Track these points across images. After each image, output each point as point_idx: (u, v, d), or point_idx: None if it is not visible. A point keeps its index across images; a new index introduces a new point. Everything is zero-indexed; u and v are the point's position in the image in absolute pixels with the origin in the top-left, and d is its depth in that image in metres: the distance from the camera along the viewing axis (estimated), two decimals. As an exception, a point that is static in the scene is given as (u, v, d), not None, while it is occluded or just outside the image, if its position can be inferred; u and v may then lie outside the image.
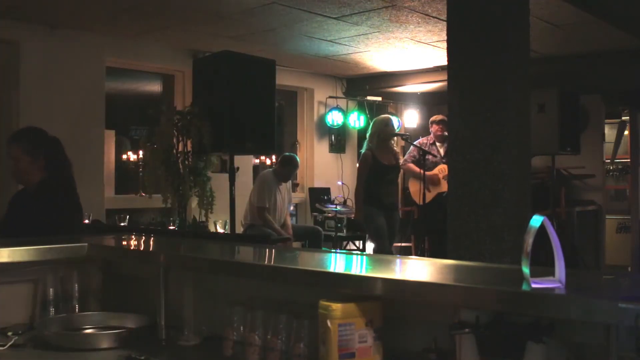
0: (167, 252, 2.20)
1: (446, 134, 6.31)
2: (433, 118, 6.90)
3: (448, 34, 3.87)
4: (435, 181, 6.49)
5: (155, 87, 7.80)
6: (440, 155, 6.66)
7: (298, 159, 6.72)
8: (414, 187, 6.66)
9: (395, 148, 6.30)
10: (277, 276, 1.72)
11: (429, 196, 6.40)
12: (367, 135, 6.14)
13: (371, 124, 6.24)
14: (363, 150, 6.16)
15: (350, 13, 5.43)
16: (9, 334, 1.92)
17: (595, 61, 6.84)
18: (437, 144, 6.74)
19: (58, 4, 5.28)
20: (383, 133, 6.01)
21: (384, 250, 5.83)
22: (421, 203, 6.25)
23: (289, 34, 6.19)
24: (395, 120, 8.52)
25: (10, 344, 1.84)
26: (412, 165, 6.62)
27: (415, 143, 6.72)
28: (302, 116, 8.60)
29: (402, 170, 6.73)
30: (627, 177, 8.92)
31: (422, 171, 6.21)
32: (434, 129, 6.79)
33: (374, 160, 5.92)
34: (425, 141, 6.80)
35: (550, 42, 6.18)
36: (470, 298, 1.31)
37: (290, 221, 6.86)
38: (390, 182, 6.03)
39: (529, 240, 1.24)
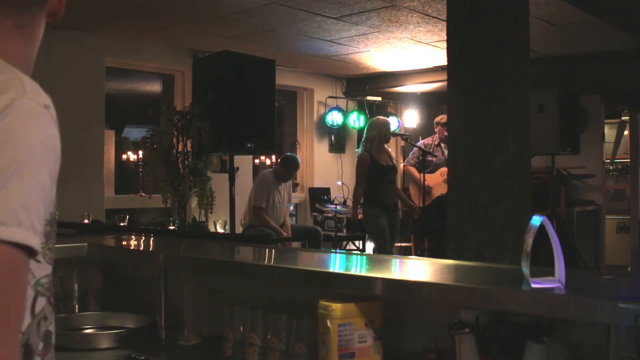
0: (167, 252, 2.20)
1: None
2: (438, 119, 6.70)
3: (448, 34, 3.87)
4: (430, 192, 6.38)
5: (155, 87, 7.79)
6: (445, 156, 6.54)
7: (299, 160, 6.71)
8: (414, 190, 6.62)
9: (388, 147, 6.22)
10: (277, 276, 1.72)
11: (430, 199, 6.36)
12: (365, 136, 6.07)
13: (369, 126, 6.16)
14: (359, 152, 6.12)
15: (350, 13, 5.42)
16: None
17: (595, 61, 6.84)
18: (442, 145, 6.57)
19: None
20: (385, 136, 5.98)
21: (384, 250, 5.82)
22: (421, 205, 6.22)
23: (289, 34, 6.19)
24: (394, 120, 8.52)
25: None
26: (413, 169, 6.51)
27: (418, 143, 6.64)
28: (302, 116, 8.60)
29: (402, 171, 6.65)
30: (626, 177, 8.92)
31: (421, 176, 6.15)
32: (438, 130, 6.62)
33: (372, 162, 5.90)
34: (429, 141, 6.64)
35: (550, 42, 6.18)
36: (470, 298, 1.31)
37: (289, 221, 6.84)
38: (389, 182, 6.01)
39: (529, 240, 1.24)
